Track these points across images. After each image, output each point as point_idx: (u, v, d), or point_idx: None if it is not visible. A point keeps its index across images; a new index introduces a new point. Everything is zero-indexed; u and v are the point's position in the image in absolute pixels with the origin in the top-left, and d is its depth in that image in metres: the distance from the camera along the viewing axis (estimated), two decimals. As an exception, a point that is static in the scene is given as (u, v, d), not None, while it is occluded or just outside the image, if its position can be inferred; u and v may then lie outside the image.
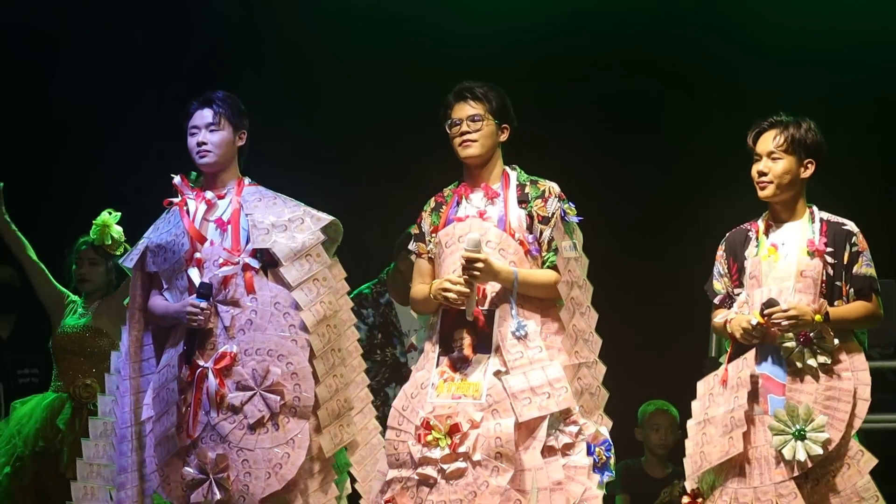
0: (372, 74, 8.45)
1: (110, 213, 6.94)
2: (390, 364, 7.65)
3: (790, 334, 5.55)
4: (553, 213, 5.72)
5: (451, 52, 8.23)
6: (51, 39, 8.59)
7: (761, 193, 5.69)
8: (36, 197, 8.25)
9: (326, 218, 6.00)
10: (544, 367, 5.60)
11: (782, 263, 5.64)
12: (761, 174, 5.68)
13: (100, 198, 7.18)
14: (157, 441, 5.88)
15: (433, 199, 5.90)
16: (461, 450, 5.53)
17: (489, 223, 5.73)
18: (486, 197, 5.77)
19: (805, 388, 5.55)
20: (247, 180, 6.05)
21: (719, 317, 5.76)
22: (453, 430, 5.55)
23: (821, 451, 5.46)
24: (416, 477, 5.59)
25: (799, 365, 5.56)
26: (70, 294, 7.29)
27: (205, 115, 5.98)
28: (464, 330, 5.67)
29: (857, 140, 7.00)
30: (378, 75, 8.45)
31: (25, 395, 7.39)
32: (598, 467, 5.66)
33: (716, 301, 5.83)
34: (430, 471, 5.57)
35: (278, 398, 5.81)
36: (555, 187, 5.78)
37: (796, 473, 5.48)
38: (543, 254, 5.71)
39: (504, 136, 5.79)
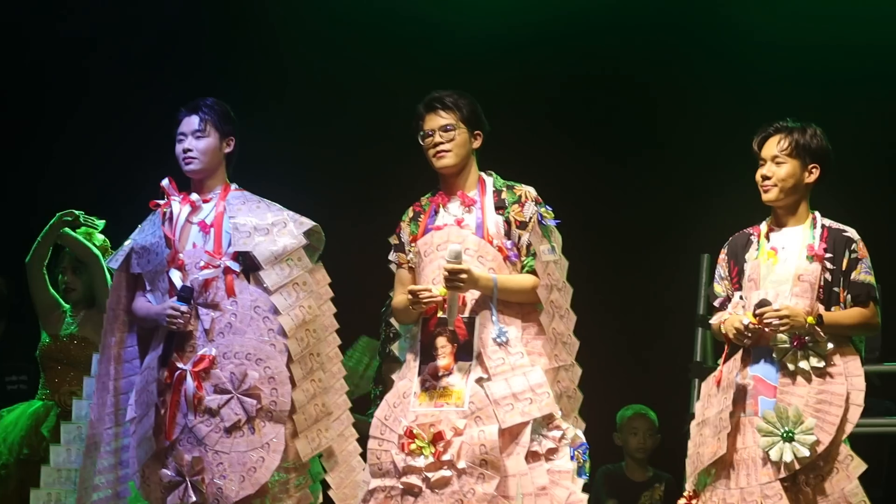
0: (356, 79, 8.45)
1: (94, 220, 6.93)
2: None
3: (784, 336, 5.55)
4: (530, 218, 5.72)
5: (436, 55, 8.23)
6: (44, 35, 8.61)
7: (765, 197, 5.69)
8: (23, 204, 8.25)
9: (309, 223, 6.02)
10: (526, 373, 5.60)
11: (781, 267, 5.64)
12: (765, 178, 5.68)
13: (85, 205, 7.15)
14: (139, 443, 5.89)
15: (411, 208, 5.91)
16: (445, 458, 5.52)
17: (467, 231, 5.73)
18: (463, 205, 5.78)
19: (797, 390, 5.54)
20: (233, 186, 6.07)
21: (715, 319, 5.76)
22: (437, 438, 5.54)
23: (808, 454, 5.45)
24: (401, 486, 5.58)
25: (791, 367, 5.56)
26: (64, 303, 7.29)
27: (192, 122, 6.00)
28: (444, 338, 5.67)
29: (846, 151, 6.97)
30: (363, 81, 8.45)
31: (14, 401, 7.39)
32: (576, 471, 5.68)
33: (716, 304, 5.83)
34: (414, 479, 5.56)
35: (255, 402, 5.82)
36: (531, 191, 5.78)
37: (783, 475, 5.47)
38: (522, 258, 5.72)
39: (477, 143, 5.80)
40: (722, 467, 5.57)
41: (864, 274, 5.65)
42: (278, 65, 8.53)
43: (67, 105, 8.69)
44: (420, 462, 5.55)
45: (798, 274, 5.61)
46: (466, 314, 5.66)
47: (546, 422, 5.61)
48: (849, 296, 5.63)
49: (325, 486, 6.03)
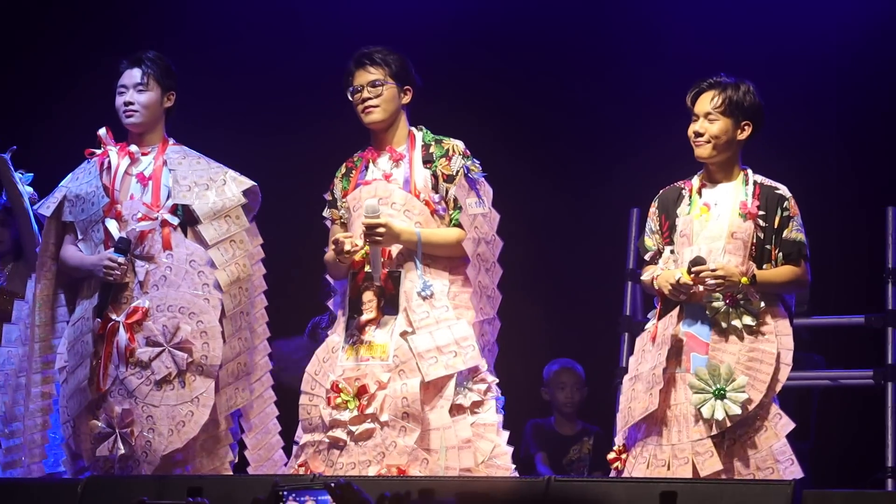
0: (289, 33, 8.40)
1: (22, 174, 6.85)
2: None
3: (717, 294, 5.55)
4: (457, 171, 5.73)
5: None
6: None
7: (697, 153, 5.66)
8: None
9: (248, 182, 6.04)
10: (451, 326, 5.61)
11: (714, 223, 5.62)
12: (698, 134, 5.64)
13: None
14: (70, 393, 5.90)
15: (344, 164, 5.92)
16: (369, 411, 5.55)
17: (394, 185, 5.74)
18: (392, 160, 5.79)
19: (728, 347, 5.53)
20: (171, 140, 6.07)
21: (647, 273, 5.73)
22: (361, 391, 5.57)
23: (739, 412, 5.44)
24: (327, 440, 5.61)
25: (724, 325, 5.54)
26: None
27: (133, 75, 6.00)
28: (371, 292, 5.69)
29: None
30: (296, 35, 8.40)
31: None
32: None
33: (646, 257, 5.78)
34: (339, 433, 5.59)
35: (186, 356, 5.83)
36: (459, 145, 5.79)
37: (714, 432, 5.44)
38: (450, 212, 5.72)
39: (407, 98, 5.81)
40: (653, 423, 5.56)
41: (795, 232, 5.64)
42: (206, 21, 8.43)
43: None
44: (345, 416, 5.58)
45: (731, 231, 5.59)
46: (392, 268, 5.67)
47: (471, 375, 5.63)
48: (780, 253, 5.62)
49: (242, 446, 6.04)
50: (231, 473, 5.93)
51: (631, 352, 5.85)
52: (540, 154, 8.11)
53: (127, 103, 5.98)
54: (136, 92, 5.98)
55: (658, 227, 5.75)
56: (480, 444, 5.57)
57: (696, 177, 5.75)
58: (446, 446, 5.53)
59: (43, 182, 6.39)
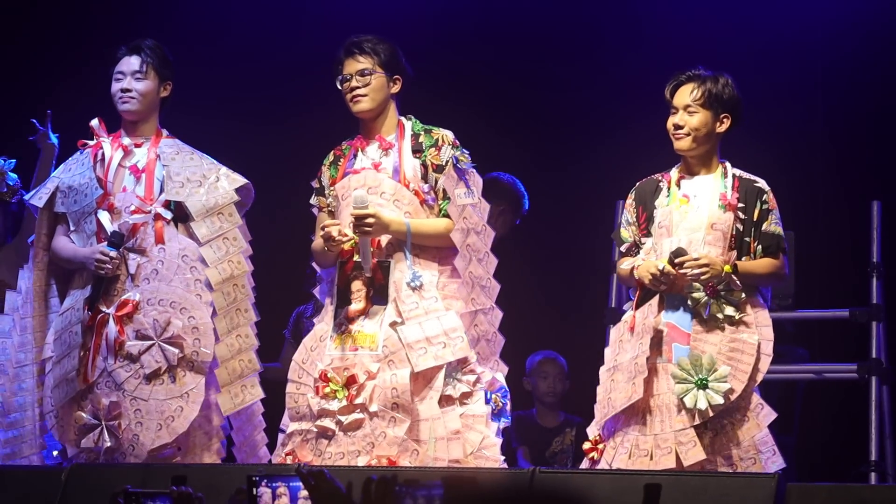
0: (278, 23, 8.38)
1: (5, 161, 6.82)
2: None
3: (698, 284, 5.57)
4: (447, 161, 5.72)
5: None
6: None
7: (677, 145, 5.68)
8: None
9: (241, 180, 6.03)
10: (440, 317, 5.61)
11: (693, 215, 5.64)
12: (677, 127, 5.67)
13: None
14: (56, 383, 5.89)
15: (332, 152, 5.91)
16: (358, 401, 5.55)
17: (383, 174, 5.73)
18: (381, 148, 5.77)
19: (710, 338, 5.55)
20: (164, 132, 6.05)
21: (625, 264, 5.73)
22: (350, 381, 5.56)
23: (722, 401, 5.46)
24: (315, 429, 5.60)
25: (705, 315, 5.58)
26: None
27: (132, 63, 5.98)
28: (360, 282, 5.68)
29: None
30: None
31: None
32: (496, 414, 5.68)
33: (622, 249, 5.80)
34: (328, 423, 5.58)
35: (177, 351, 5.82)
36: (448, 135, 5.78)
37: (697, 422, 5.46)
38: (439, 202, 5.72)
39: (396, 88, 5.79)
40: (633, 413, 5.57)
41: (774, 225, 5.67)
42: (195, 9, 8.41)
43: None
44: (334, 405, 5.57)
45: (711, 222, 5.62)
46: (381, 258, 5.67)
47: (461, 366, 5.63)
48: (759, 246, 5.65)
49: (231, 442, 6.03)
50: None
51: (609, 343, 5.86)
52: (525, 145, 8.11)
53: (124, 90, 5.96)
54: (133, 79, 5.96)
55: (635, 219, 5.76)
56: (469, 435, 5.57)
57: (674, 169, 5.77)
58: (435, 437, 5.53)
59: (30, 172, 6.36)
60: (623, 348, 5.65)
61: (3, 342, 6.10)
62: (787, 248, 5.73)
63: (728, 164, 5.72)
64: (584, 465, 5.69)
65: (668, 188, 5.73)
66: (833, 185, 7.83)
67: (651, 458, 5.49)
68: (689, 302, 5.58)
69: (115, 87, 5.98)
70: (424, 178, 5.73)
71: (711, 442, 5.50)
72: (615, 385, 5.61)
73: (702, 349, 5.53)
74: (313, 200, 5.90)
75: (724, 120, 5.67)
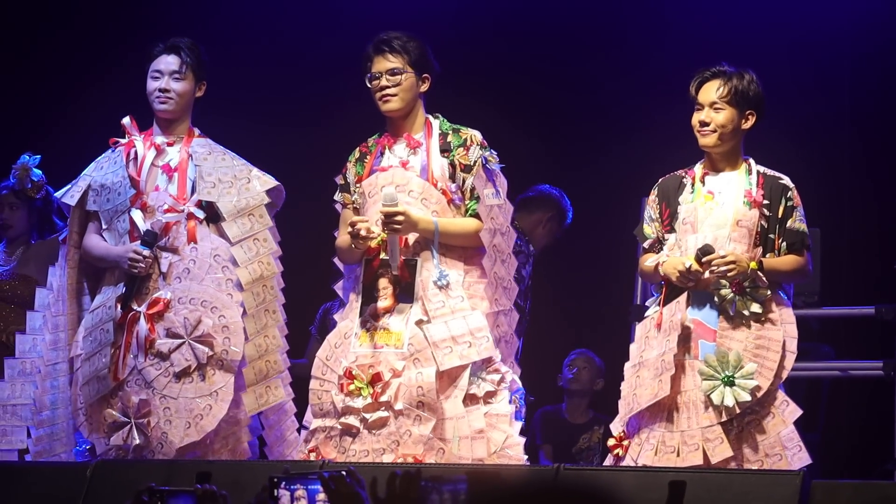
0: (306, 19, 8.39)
1: (30, 157, 6.85)
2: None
3: (724, 281, 5.57)
4: (475, 161, 5.72)
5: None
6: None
7: (702, 142, 5.68)
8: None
9: (272, 181, 6.04)
10: (466, 317, 5.61)
11: (719, 211, 5.64)
12: (703, 123, 5.67)
13: (20, 142, 7.08)
14: (86, 380, 5.90)
15: (357, 149, 5.90)
16: (383, 399, 5.55)
17: (412, 173, 5.73)
18: (409, 147, 5.77)
19: (736, 335, 5.55)
20: (196, 131, 6.06)
21: (649, 261, 5.73)
22: (375, 379, 5.57)
23: (749, 398, 5.46)
24: (340, 426, 5.61)
25: (731, 312, 5.58)
26: None
27: (170, 62, 5.96)
28: (386, 279, 5.68)
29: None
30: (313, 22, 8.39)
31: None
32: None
33: (645, 245, 5.81)
34: (352, 420, 5.59)
35: (207, 349, 5.83)
36: (477, 135, 5.78)
37: (724, 419, 5.46)
38: (466, 202, 5.72)
39: (425, 87, 5.79)
40: (658, 409, 5.58)
41: (798, 222, 5.67)
42: (224, 8, 8.43)
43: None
44: (358, 403, 5.57)
45: (737, 219, 5.62)
46: (408, 256, 5.66)
47: (485, 365, 5.63)
48: (783, 243, 5.65)
49: (262, 442, 6.05)
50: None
51: (635, 340, 5.86)
52: (548, 143, 8.12)
53: (162, 90, 5.94)
54: (172, 79, 5.94)
55: (658, 215, 5.76)
56: (493, 434, 5.57)
57: (698, 165, 5.77)
58: (459, 436, 5.53)
59: (58, 170, 6.39)
60: (649, 345, 5.65)
61: (34, 339, 6.12)
62: (812, 244, 5.73)
63: (752, 161, 5.72)
64: (608, 461, 5.70)
65: (692, 185, 5.73)
66: (859, 181, 7.82)
67: (678, 455, 5.49)
68: (715, 299, 5.58)
69: (153, 85, 5.96)
70: (452, 177, 5.73)
71: (737, 438, 5.51)
72: (640, 381, 5.62)
73: (728, 346, 5.54)
74: (338, 197, 5.90)
75: (749, 117, 5.68)
